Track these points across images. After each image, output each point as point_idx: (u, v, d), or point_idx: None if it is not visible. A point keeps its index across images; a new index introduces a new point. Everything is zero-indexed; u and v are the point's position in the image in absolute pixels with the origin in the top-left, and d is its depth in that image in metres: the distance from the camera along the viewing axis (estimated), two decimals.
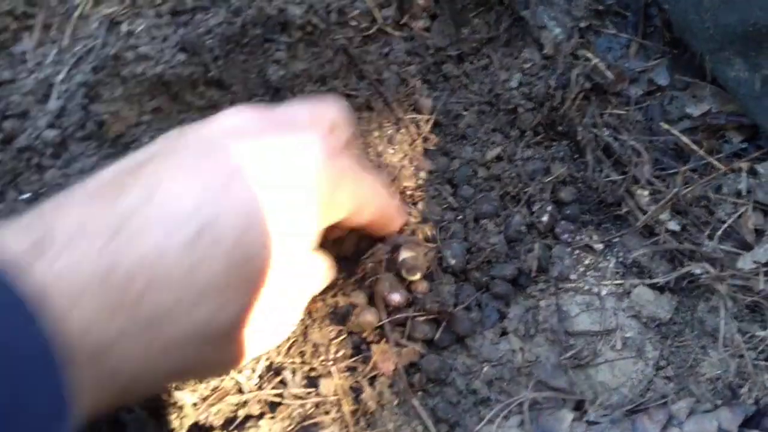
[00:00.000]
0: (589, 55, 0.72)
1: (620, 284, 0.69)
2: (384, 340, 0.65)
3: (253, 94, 0.69)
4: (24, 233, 0.32)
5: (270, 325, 0.43)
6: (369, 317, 0.64)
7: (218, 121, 0.42)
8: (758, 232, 0.66)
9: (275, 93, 0.69)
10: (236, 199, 0.37)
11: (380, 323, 0.64)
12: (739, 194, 0.67)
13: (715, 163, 0.68)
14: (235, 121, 0.42)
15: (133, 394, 0.38)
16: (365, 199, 0.51)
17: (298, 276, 0.45)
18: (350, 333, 0.65)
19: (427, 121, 0.73)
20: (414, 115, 0.73)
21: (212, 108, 0.67)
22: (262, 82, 0.69)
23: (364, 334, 0.65)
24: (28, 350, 0.29)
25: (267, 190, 0.38)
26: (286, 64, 0.69)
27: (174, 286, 0.33)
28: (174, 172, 0.36)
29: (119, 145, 0.64)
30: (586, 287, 0.69)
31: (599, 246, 0.71)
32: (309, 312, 0.65)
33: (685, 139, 0.69)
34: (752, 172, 0.68)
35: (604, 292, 0.69)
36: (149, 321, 0.33)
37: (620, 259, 0.70)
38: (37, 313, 0.29)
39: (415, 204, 0.70)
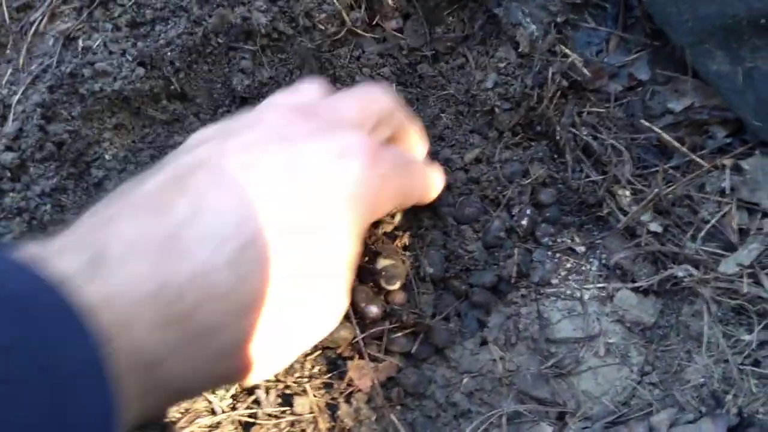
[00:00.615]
0: (567, 51, 0.70)
1: (603, 288, 0.67)
2: (359, 355, 0.63)
3: (219, 105, 0.67)
4: (76, 250, 0.34)
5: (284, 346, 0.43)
6: (343, 333, 0.62)
7: (261, 124, 0.43)
8: (742, 232, 0.64)
9: (242, 103, 0.67)
10: (274, 216, 0.38)
11: (355, 338, 0.63)
12: (722, 192, 0.65)
13: (698, 160, 0.66)
14: (278, 122, 0.43)
15: (179, 399, 0.43)
16: (409, 192, 0.53)
17: (324, 303, 0.44)
18: (325, 349, 0.64)
19: None
20: None
21: (176, 122, 0.66)
22: (228, 92, 0.67)
23: (339, 350, 0.64)
24: (81, 363, 0.30)
25: (305, 206, 0.40)
26: (252, 72, 0.67)
27: (221, 300, 0.35)
28: (216, 187, 0.37)
29: (80, 164, 0.62)
30: (568, 292, 0.67)
31: (581, 248, 0.69)
32: None
33: (666, 136, 0.67)
34: (736, 169, 0.66)
35: (586, 297, 0.67)
36: (199, 334, 0.35)
37: (603, 262, 0.68)
38: (91, 328, 0.30)
39: (393, 215, 0.68)
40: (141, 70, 0.61)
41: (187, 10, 0.64)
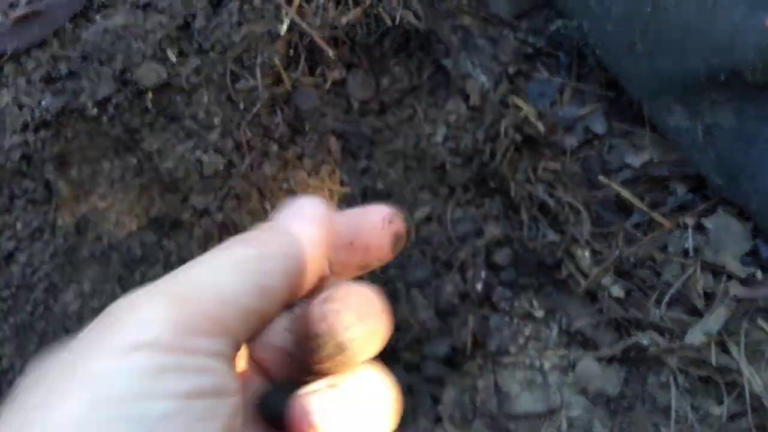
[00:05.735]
0: (520, 102, 0.66)
1: (564, 355, 0.63)
2: None
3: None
4: None
5: None
6: None
7: None
8: (707, 296, 0.60)
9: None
10: None
11: None
12: (686, 253, 0.61)
13: (660, 218, 0.63)
14: None
15: None
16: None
17: None
18: None
19: (349, 186, 0.66)
20: (335, 175, 0.67)
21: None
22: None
23: None
24: None
25: None
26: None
27: None
28: None
29: None
30: (528, 361, 0.63)
31: (540, 313, 0.64)
32: None
33: (625, 193, 0.63)
34: (699, 228, 0.62)
35: (547, 366, 0.63)
36: None
37: (564, 327, 0.64)
38: None
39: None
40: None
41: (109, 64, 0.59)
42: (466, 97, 0.67)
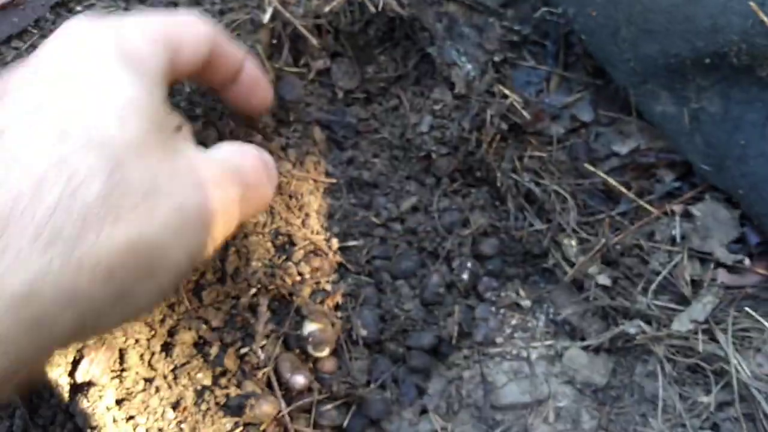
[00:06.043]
0: (506, 91, 0.66)
1: (551, 345, 0.62)
2: (285, 431, 0.57)
3: None
4: None
5: None
6: (266, 407, 0.56)
7: None
8: (695, 283, 0.59)
9: None
10: None
11: (280, 413, 0.57)
12: (673, 241, 0.61)
13: (647, 206, 0.62)
14: None
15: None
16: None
17: None
18: (246, 425, 0.57)
19: (334, 177, 0.66)
20: (320, 165, 0.66)
21: None
22: None
23: (263, 427, 0.57)
24: None
25: None
26: None
27: None
28: None
29: None
30: (514, 351, 0.62)
31: (527, 303, 0.64)
32: (198, 403, 0.57)
33: (612, 181, 0.63)
34: (686, 215, 0.62)
35: (533, 356, 0.62)
36: None
37: (550, 317, 0.63)
38: None
39: (317, 269, 0.62)
40: None
41: None
42: (452, 86, 0.67)
